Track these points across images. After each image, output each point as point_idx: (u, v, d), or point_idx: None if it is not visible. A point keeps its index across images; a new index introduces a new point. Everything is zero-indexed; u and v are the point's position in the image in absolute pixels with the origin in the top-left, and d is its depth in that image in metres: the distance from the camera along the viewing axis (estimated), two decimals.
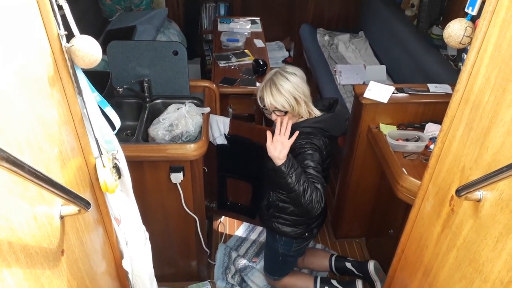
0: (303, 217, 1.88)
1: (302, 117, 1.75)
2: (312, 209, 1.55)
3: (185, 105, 2.01)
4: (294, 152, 1.65)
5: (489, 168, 0.90)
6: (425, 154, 1.93)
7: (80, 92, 0.98)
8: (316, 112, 1.77)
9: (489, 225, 0.88)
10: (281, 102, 1.66)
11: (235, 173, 2.41)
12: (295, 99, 1.66)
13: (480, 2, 0.98)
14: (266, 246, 2.24)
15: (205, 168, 2.12)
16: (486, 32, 0.95)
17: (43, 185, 0.70)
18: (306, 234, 1.96)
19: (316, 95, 3.69)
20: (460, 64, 2.53)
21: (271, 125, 2.64)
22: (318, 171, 1.62)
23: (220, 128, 2.23)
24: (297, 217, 1.89)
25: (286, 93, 1.65)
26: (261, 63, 2.69)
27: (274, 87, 1.66)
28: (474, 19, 1.01)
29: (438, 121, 2.04)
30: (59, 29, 0.87)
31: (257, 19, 3.52)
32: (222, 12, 4.18)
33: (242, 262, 2.47)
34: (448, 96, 2.06)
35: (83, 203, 0.89)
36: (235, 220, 2.81)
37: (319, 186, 1.57)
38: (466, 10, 1.01)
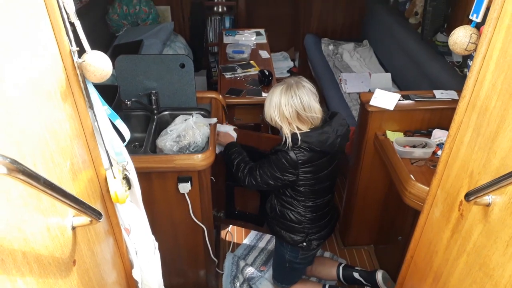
0: (298, 225, 1.93)
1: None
2: (240, 181, 1.92)
3: (192, 116, 2.04)
4: (271, 152, 1.83)
5: (498, 172, 0.90)
6: (433, 160, 1.92)
7: (91, 106, 1.00)
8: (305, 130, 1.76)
9: (499, 230, 0.88)
10: (265, 114, 1.78)
11: None
12: (271, 118, 1.75)
13: (484, 9, 0.99)
14: (275, 252, 2.25)
15: (213, 178, 2.13)
16: (491, 38, 0.96)
17: (57, 196, 0.71)
18: (304, 244, 1.96)
19: (322, 105, 3.70)
20: (465, 70, 2.54)
21: (277, 134, 2.66)
22: (264, 173, 1.81)
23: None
24: (294, 224, 1.93)
25: (271, 109, 1.74)
26: (267, 73, 2.72)
27: (268, 98, 1.76)
28: (478, 26, 1.02)
29: (445, 127, 2.04)
30: (71, 45, 0.89)
31: (262, 30, 3.56)
32: (227, 24, 4.23)
33: (250, 271, 2.47)
34: (455, 102, 2.07)
35: (95, 214, 0.90)
36: (243, 229, 2.81)
37: (246, 169, 1.88)
38: (470, 17, 1.02)
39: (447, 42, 3.20)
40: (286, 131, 1.73)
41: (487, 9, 0.97)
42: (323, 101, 3.57)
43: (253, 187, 1.90)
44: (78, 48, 0.91)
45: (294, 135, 1.73)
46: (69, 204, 0.77)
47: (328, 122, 1.78)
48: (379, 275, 2.23)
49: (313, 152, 1.73)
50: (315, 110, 1.72)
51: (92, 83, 0.99)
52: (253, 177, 1.85)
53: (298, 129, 1.73)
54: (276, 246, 2.19)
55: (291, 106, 1.69)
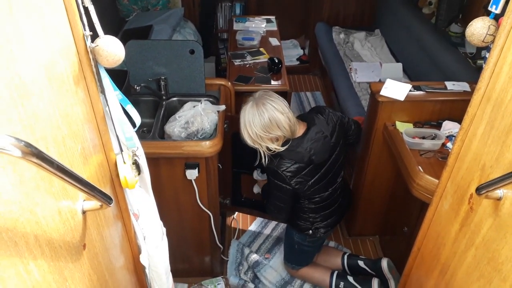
0: (303, 214, 1.97)
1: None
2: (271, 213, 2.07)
3: (201, 103, 2.03)
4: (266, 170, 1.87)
5: (511, 166, 0.89)
6: (442, 152, 1.91)
7: (102, 91, 1.00)
8: (278, 147, 1.75)
9: (509, 224, 0.87)
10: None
11: (250, 169, 2.42)
12: (244, 134, 1.74)
13: (504, 0, 0.97)
14: (285, 233, 2.31)
15: (220, 165, 2.14)
16: (510, 30, 0.94)
17: (69, 180, 0.71)
18: (310, 231, 2.01)
19: (331, 94, 3.68)
20: (479, 62, 2.49)
21: None
22: (273, 205, 1.93)
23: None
24: (299, 212, 1.97)
25: (241, 130, 1.75)
26: (276, 61, 2.70)
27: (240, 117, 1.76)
28: (497, 18, 1.00)
29: (455, 119, 2.01)
30: (85, 30, 0.89)
31: (273, 17, 3.52)
32: (237, 11, 4.19)
33: (255, 258, 2.49)
34: (466, 94, 2.04)
35: (105, 199, 0.91)
36: (248, 216, 2.83)
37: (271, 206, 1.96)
38: (489, 8, 1.00)
39: (461, 33, 3.13)
40: (260, 151, 1.77)
41: (507, 0, 0.95)
42: (332, 90, 3.54)
43: (280, 216, 2.19)
44: (91, 33, 0.90)
45: (265, 154, 1.77)
46: (80, 188, 0.78)
47: (301, 139, 1.76)
48: (384, 263, 2.24)
49: (298, 163, 1.76)
50: (279, 125, 1.69)
51: (104, 68, 0.99)
52: (271, 212, 2.00)
53: (268, 149, 1.74)
54: (286, 228, 2.25)
55: (253, 129, 1.70)
